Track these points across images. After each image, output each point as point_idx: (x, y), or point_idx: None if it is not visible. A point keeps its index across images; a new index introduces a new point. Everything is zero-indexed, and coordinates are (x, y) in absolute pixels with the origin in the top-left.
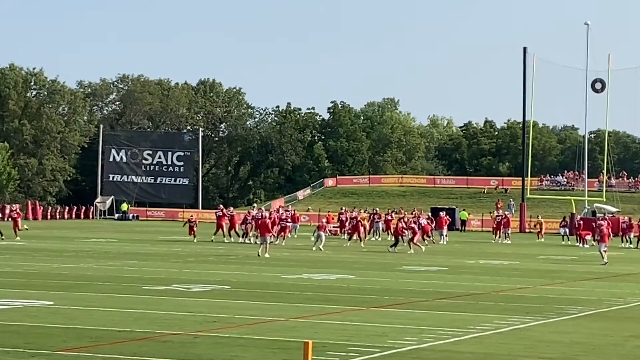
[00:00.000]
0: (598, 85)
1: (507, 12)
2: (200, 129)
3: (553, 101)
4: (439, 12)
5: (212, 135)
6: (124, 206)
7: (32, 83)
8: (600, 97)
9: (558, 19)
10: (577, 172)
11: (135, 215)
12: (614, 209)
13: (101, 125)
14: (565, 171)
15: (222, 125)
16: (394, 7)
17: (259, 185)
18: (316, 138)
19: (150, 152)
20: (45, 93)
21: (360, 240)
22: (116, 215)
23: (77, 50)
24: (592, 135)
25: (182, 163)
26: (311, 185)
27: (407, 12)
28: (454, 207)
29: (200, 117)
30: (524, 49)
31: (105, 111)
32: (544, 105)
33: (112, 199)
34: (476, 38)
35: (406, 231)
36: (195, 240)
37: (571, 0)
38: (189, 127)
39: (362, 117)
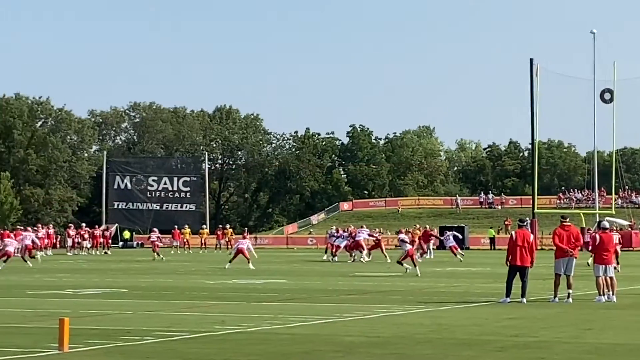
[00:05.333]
0: (607, 96)
1: (529, 33)
2: (211, 154)
3: (564, 115)
4: (463, 34)
5: (230, 162)
6: (126, 234)
7: (39, 112)
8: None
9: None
10: (601, 189)
11: (139, 242)
12: (625, 222)
13: (105, 153)
14: (585, 189)
15: (239, 153)
16: (413, 31)
17: (279, 212)
18: (336, 163)
19: (156, 178)
20: (52, 122)
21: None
22: (120, 243)
23: (87, 79)
24: (619, 154)
25: (188, 189)
26: (326, 209)
27: (428, 35)
28: (463, 225)
29: (217, 145)
30: (531, 60)
31: (118, 139)
32: (556, 122)
33: (117, 227)
34: (502, 59)
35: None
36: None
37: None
38: (203, 154)
39: (382, 141)
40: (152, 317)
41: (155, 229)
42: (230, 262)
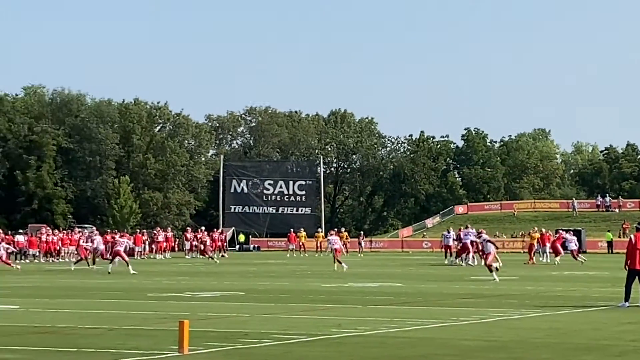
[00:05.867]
0: None
1: None
2: (326, 158)
3: None
4: (577, 34)
5: (345, 166)
6: (242, 237)
7: (157, 117)
8: None
9: None
10: None
11: (256, 246)
12: None
13: (222, 157)
14: None
15: (354, 156)
16: (527, 33)
17: (393, 216)
18: (451, 166)
19: (272, 181)
20: (170, 127)
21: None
22: (237, 246)
23: (204, 84)
24: None
25: (303, 192)
26: (441, 213)
27: (543, 36)
28: (580, 228)
29: (332, 148)
30: None
31: (234, 144)
32: None
33: (233, 230)
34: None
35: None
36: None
37: None
38: (318, 158)
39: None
40: (269, 320)
41: (188, 228)
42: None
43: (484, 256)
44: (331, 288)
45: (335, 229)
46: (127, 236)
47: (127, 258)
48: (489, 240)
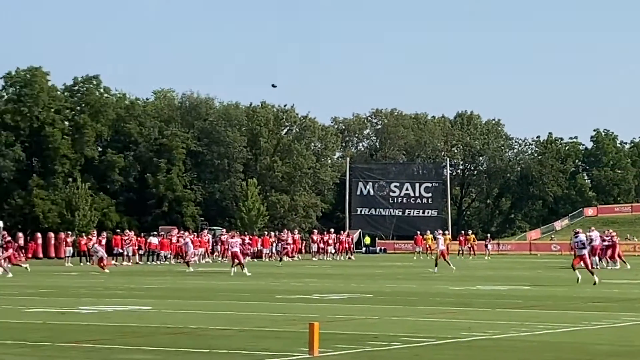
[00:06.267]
0: None
1: None
2: (453, 160)
3: None
4: None
5: (472, 168)
6: (367, 239)
7: (284, 120)
8: None
9: None
10: None
11: (382, 248)
12: None
13: (348, 159)
14: None
15: (480, 158)
16: None
17: (521, 218)
18: (579, 168)
19: (398, 184)
20: (297, 130)
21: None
22: (363, 249)
23: (330, 87)
24: None
25: (430, 195)
26: (569, 215)
27: None
28: None
29: (458, 150)
30: None
31: (360, 146)
32: None
33: (360, 232)
34: None
35: None
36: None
37: None
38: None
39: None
40: (397, 322)
41: (314, 231)
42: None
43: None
44: (459, 291)
45: (440, 230)
46: (238, 236)
47: (243, 260)
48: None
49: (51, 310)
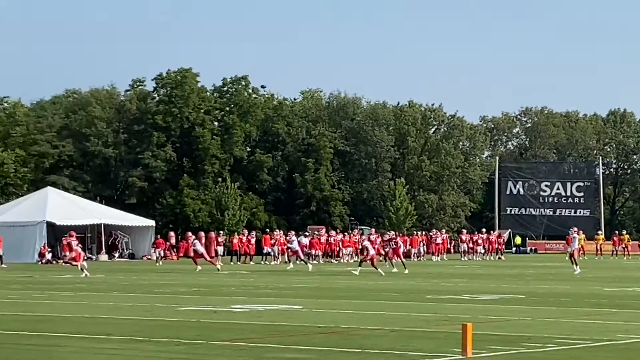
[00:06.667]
0: None
1: None
2: (605, 159)
3: None
4: None
5: (625, 167)
6: (518, 239)
7: (432, 119)
8: None
9: None
10: None
11: (533, 248)
12: None
13: (497, 158)
14: None
15: (634, 157)
16: None
17: None
18: None
19: (548, 183)
20: (445, 129)
21: None
22: (513, 248)
23: (478, 86)
24: None
25: (582, 194)
26: None
27: None
28: None
29: (611, 149)
30: None
31: (509, 145)
32: None
33: (510, 232)
34: None
35: None
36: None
37: None
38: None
39: None
40: (551, 324)
41: (463, 230)
42: None
43: None
44: (614, 292)
45: (576, 229)
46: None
47: (303, 257)
48: None
49: (204, 309)
